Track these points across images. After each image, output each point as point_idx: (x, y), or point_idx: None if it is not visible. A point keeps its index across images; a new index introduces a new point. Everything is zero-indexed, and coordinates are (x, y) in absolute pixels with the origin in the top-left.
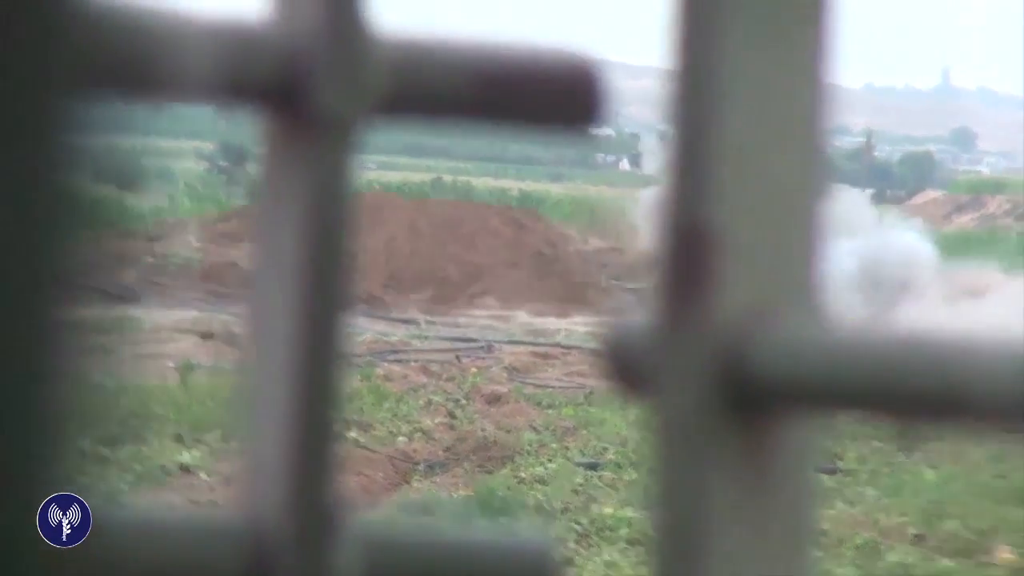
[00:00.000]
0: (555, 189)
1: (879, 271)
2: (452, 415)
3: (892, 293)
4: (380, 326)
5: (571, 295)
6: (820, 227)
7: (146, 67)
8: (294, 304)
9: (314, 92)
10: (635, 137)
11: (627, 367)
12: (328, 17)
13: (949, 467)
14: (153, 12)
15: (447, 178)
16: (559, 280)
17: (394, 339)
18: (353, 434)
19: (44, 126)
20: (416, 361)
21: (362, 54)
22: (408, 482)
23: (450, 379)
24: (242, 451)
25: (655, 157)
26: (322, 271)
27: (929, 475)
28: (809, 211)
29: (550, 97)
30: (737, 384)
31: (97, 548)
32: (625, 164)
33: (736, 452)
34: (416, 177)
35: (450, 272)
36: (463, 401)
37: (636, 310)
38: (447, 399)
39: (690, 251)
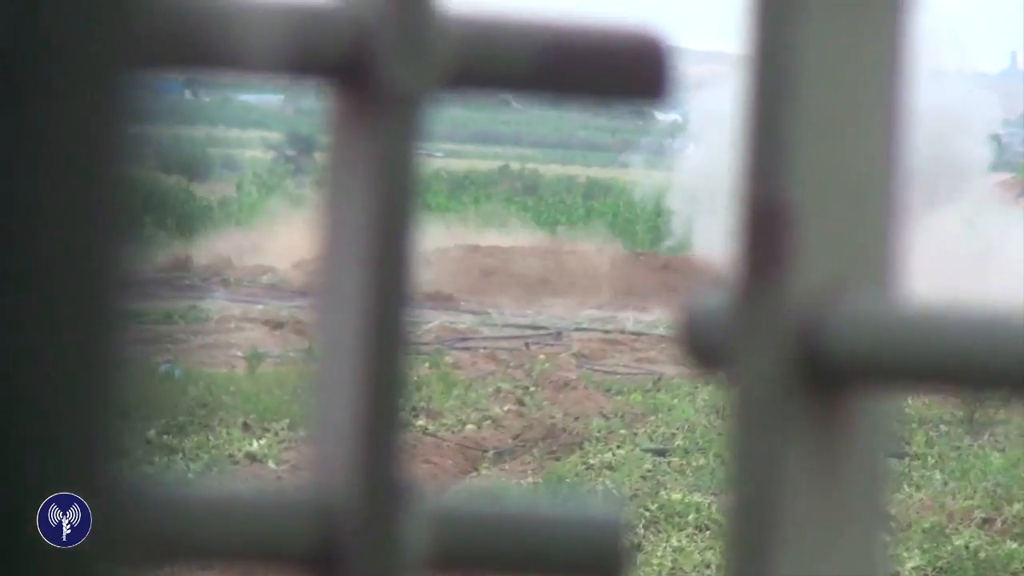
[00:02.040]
0: (623, 175)
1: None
2: (521, 402)
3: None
4: (449, 315)
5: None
6: (895, 204)
7: (218, 45)
8: (361, 281)
9: (381, 69)
10: (703, 123)
11: (704, 344)
12: None
13: (1016, 450)
14: None
15: (515, 165)
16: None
17: (462, 327)
18: (422, 422)
19: (106, 114)
20: (485, 348)
21: (428, 31)
22: (477, 469)
23: (519, 366)
24: (311, 429)
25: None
26: (389, 245)
27: (996, 458)
28: (885, 189)
29: (617, 71)
30: (812, 360)
31: (171, 525)
32: (693, 150)
33: (811, 428)
34: (483, 165)
35: None
36: (532, 388)
37: (713, 288)
38: (516, 386)
39: (766, 229)
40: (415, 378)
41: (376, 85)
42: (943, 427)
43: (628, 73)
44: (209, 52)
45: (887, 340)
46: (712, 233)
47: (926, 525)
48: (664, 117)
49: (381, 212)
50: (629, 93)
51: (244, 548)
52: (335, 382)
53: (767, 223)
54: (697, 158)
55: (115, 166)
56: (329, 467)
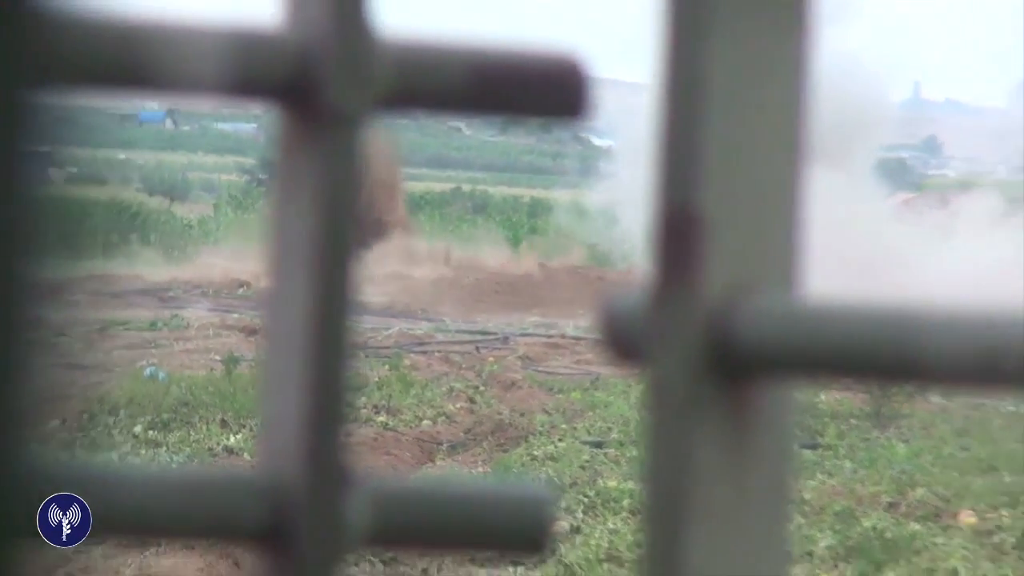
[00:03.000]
0: (562, 196)
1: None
2: (472, 400)
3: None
4: (407, 322)
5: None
6: (798, 212)
7: (167, 68)
8: (307, 287)
9: (324, 90)
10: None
11: (622, 337)
12: (336, 20)
13: (919, 441)
14: (174, 18)
15: (466, 187)
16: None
17: (419, 332)
18: (382, 418)
19: (9, 129)
20: (439, 352)
21: (368, 54)
22: (432, 461)
23: (470, 368)
24: (263, 415)
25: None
26: (333, 249)
27: (900, 448)
28: (789, 196)
29: (540, 90)
30: (722, 354)
31: (131, 503)
32: (624, 173)
33: (721, 414)
34: (438, 187)
35: None
36: (481, 387)
37: (631, 286)
38: (467, 386)
39: (679, 232)
40: (376, 379)
41: (320, 105)
42: (853, 421)
43: (550, 92)
44: (159, 75)
45: (790, 335)
46: (640, 246)
47: (837, 509)
48: (599, 143)
49: (325, 222)
50: (551, 111)
51: (199, 526)
52: (286, 377)
53: (680, 230)
54: (628, 180)
55: (20, 183)
56: (279, 453)
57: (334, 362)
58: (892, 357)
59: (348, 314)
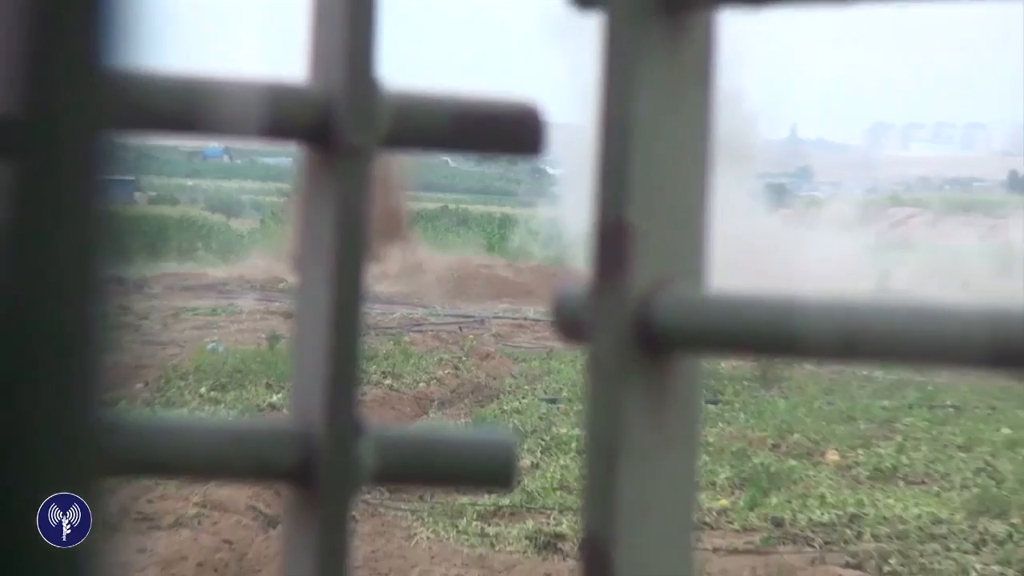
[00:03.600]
0: (525, 213)
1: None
2: (457, 367)
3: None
4: (407, 308)
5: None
6: (707, 220)
7: (218, 115)
8: (328, 284)
9: (340, 131)
10: (579, 174)
11: (569, 321)
12: (350, 76)
13: (795, 397)
14: (221, 75)
15: (452, 206)
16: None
17: (417, 316)
18: (388, 381)
19: (87, 163)
20: (432, 331)
21: (375, 103)
22: (427, 414)
23: (455, 343)
24: (293, 379)
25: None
26: (347, 262)
27: (781, 403)
28: (699, 209)
29: (506, 132)
30: (646, 332)
31: (181, 448)
32: (572, 195)
33: (645, 380)
34: (430, 206)
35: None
36: (464, 358)
37: (577, 281)
38: (453, 357)
39: (613, 238)
40: (384, 351)
41: (337, 143)
42: (745, 382)
43: (513, 133)
44: (211, 121)
45: (701, 319)
46: (583, 250)
47: (733, 449)
48: (552, 171)
49: (341, 233)
50: (515, 148)
51: (241, 466)
52: (312, 350)
53: (613, 236)
54: (573, 199)
55: (98, 204)
56: (306, 409)
57: (349, 338)
58: (776, 336)
59: (359, 302)
